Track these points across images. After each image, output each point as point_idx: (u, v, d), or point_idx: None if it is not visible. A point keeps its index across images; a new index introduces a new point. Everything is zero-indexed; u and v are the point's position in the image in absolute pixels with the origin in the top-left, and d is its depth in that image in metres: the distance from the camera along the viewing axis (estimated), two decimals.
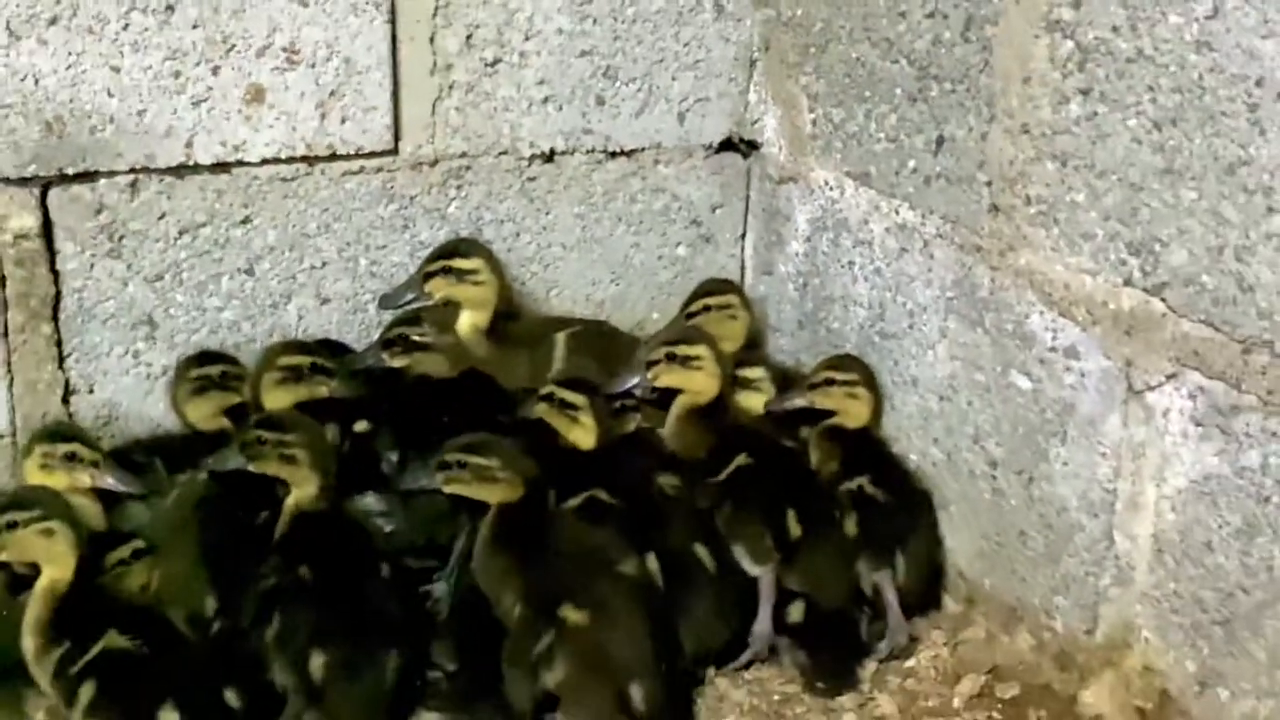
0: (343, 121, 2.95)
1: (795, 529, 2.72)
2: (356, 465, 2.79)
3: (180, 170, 2.86)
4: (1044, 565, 2.63)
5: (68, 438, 2.66)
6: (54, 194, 2.78)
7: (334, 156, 2.97)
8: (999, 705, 2.61)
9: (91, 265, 2.84)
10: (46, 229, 2.79)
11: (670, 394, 2.97)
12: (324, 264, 3.04)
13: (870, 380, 2.95)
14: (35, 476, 2.62)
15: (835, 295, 3.12)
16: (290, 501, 2.60)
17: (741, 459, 2.82)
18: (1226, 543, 2.28)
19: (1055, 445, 2.57)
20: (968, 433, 2.77)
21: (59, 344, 2.84)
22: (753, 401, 3.05)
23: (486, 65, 3.06)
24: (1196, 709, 2.36)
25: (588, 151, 3.21)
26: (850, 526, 2.77)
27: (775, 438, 2.98)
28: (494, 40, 3.04)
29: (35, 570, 2.43)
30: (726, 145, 3.34)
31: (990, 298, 2.68)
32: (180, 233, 2.90)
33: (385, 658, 2.43)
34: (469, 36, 3.02)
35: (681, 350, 2.93)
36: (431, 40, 2.99)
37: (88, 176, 2.79)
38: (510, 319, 3.14)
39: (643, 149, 3.26)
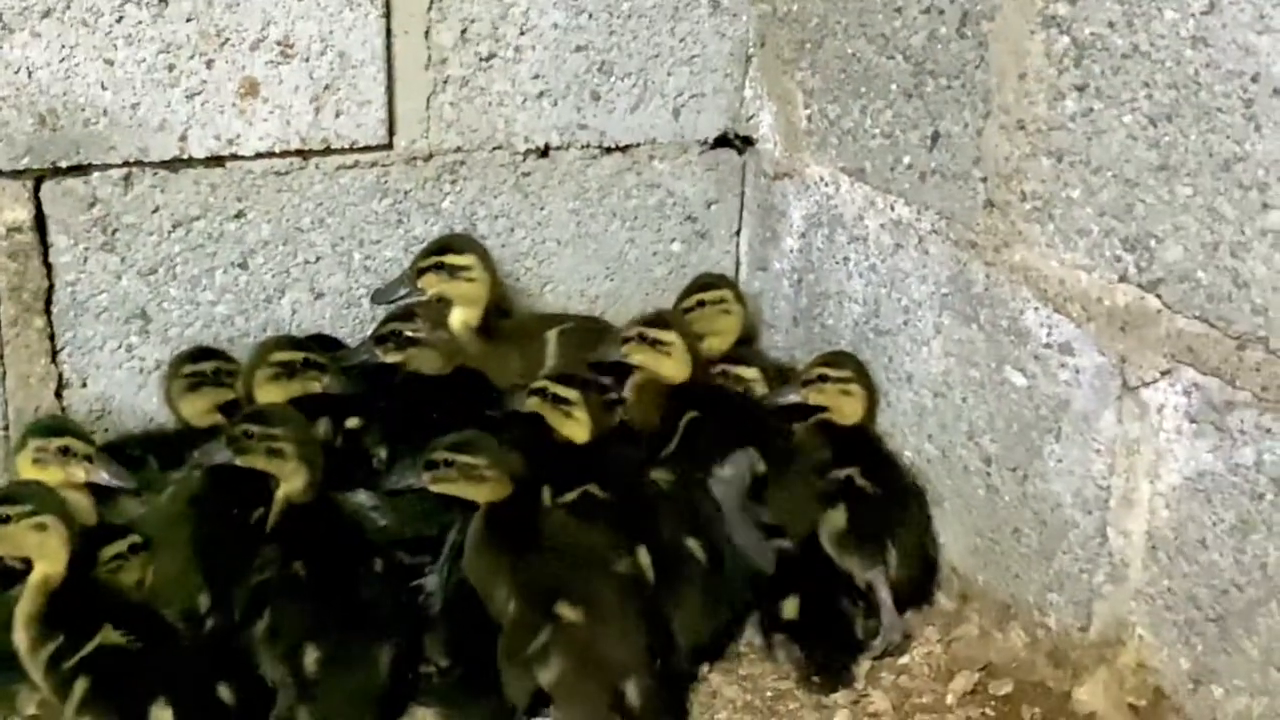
0: (337, 115, 2.94)
1: (759, 466, 2.77)
2: (349, 461, 2.78)
3: (174, 164, 2.85)
4: (1038, 562, 2.63)
5: (61, 432, 2.64)
6: (47, 187, 2.78)
7: (328, 151, 2.97)
8: (992, 702, 2.61)
9: (85, 259, 2.83)
10: (40, 222, 2.78)
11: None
12: (318, 259, 3.04)
13: (864, 378, 2.94)
14: (28, 471, 2.61)
15: (830, 291, 3.12)
16: (280, 495, 2.60)
17: (689, 415, 2.88)
18: (1221, 540, 2.28)
19: (1049, 442, 2.57)
20: (962, 429, 2.77)
21: (52, 338, 2.84)
22: None
23: (481, 60, 3.05)
24: (1190, 706, 2.36)
25: (583, 147, 3.21)
26: (839, 517, 2.78)
27: (721, 387, 3.04)
28: (489, 35, 3.04)
29: (28, 565, 2.43)
30: (722, 141, 3.34)
31: (985, 294, 2.68)
32: (174, 226, 2.89)
33: (378, 652, 2.43)
34: (464, 31, 3.01)
35: (653, 333, 2.97)
36: (426, 34, 2.99)
37: (81, 170, 2.79)
38: (503, 316, 3.14)
39: (638, 144, 3.26)
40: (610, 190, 3.27)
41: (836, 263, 3.09)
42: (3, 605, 2.45)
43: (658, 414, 2.94)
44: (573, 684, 2.42)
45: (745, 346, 3.24)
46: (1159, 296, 2.33)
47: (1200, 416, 2.29)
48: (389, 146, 3.03)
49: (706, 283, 3.19)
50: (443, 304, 2.99)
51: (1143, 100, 2.31)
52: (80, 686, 2.33)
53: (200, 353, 2.90)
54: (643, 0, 3.14)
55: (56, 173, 2.77)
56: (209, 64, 2.81)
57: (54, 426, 2.68)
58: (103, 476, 2.64)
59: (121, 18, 2.72)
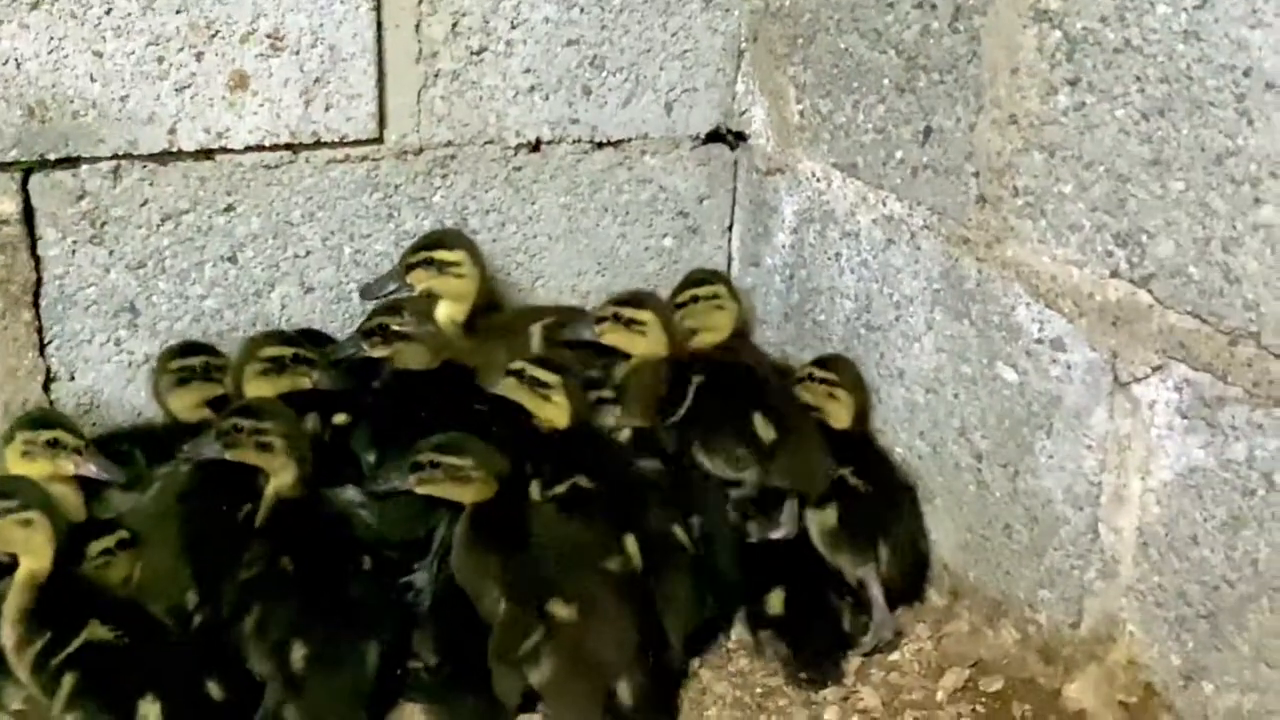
0: (327, 109, 2.93)
1: (768, 432, 2.77)
2: (337, 458, 2.77)
3: (163, 157, 2.84)
4: (1029, 558, 2.62)
5: (50, 424, 2.63)
6: (35, 179, 2.76)
7: (318, 144, 2.96)
8: (983, 699, 2.60)
9: (73, 251, 2.82)
10: (28, 215, 2.77)
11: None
12: (308, 253, 3.02)
13: (855, 383, 2.93)
14: (17, 464, 2.59)
15: (822, 287, 3.11)
16: (269, 490, 2.59)
17: (698, 379, 2.90)
18: (1212, 536, 2.28)
19: (1041, 438, 2.56)
20: (953, 425, 2.76)
21: (40, 331, 2.83)
22: None
23: (472, 54, 3.04)
24: (1180, 703, 2.36)
25: (574, 141, 3.20)
26: (830, 516, 2.77)
27: (725, 358, 3.04)
28: (480, 28, 3.03)
29: (14, 560, 2.42)
30: (714, 136, 3.34)
31: (977, 289, 2.67)
32: (163, 219, 2.88)
33: (366, 649, 2.42)
34: (455, 24, 3.00)
35: (627, 313, 2.96)
36: (417, 28, 2.98)
37: (70, 162, 2.77)
38: (494, 310, 3.12)
39: (629, 139, 3.25)
40: (602, 185, 3.26)
41: (828, 258, 3.08)
42: None
43: (656, 398, 2.93)
44: (565, 684, 2.42)
45: (740, 339, 3.23)
46: (1150, 292, 2.32)
47: (1192, 412, 2.28)
48: (379, 140, 3.02)
49: (700, 278, 3.17)
50: (430, 299, 2.98)
51: (1135, 95, 2.30)
52: (67, 682, 2.32)
53: (189, 347, 2.88)
54: None
55: (45, 165, 2.76)
56: (198, 56, 2.80)
57: (43, 419, 2.67)
58: (92, 469, 2.63)
59: (110, 9, 2.71)
